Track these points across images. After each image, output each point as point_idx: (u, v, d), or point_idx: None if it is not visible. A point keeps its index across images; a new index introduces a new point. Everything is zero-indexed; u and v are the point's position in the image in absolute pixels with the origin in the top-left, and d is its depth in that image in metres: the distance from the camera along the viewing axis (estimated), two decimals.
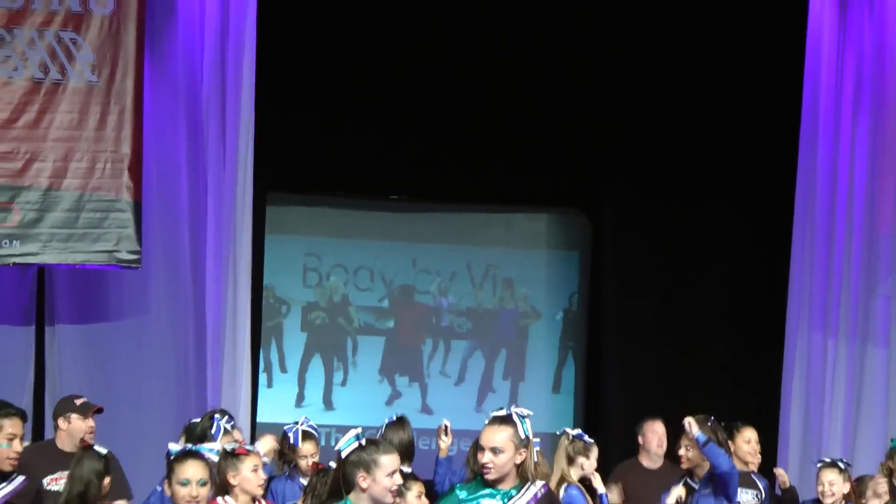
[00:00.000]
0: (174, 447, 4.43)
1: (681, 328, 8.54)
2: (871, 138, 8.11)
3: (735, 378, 8.29)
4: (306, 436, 5.54)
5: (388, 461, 3.51)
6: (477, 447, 3.88)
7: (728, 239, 8.60)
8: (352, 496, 3.52)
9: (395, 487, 3.57)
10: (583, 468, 5.27)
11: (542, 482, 3.89)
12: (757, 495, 6.36)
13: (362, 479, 3.48)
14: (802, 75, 8.09)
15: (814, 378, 8.12)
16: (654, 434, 6.66)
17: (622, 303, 8.82)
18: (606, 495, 5.67)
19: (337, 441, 4.14)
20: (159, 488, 4.86)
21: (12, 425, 4.53)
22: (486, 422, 3.81)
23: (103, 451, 4.73)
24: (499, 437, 3.73)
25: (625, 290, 8.77)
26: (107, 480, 4.74)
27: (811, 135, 8.12)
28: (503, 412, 3.88)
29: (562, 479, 5.25)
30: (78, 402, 5.51)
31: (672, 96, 8.50)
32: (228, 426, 5.41)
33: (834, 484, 5.72)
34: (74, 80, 7.32)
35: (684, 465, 5.98)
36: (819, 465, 5.96)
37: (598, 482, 5.50)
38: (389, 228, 9.26)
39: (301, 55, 8.03)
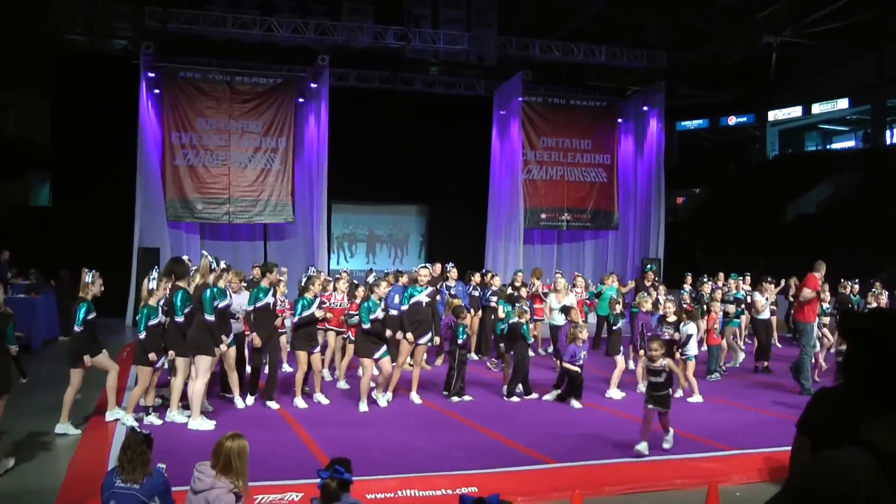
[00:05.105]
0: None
1: (462, 245, 23.33)
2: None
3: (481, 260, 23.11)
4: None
5: (385, 283, 10.63)
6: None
7: (471, 209, 23.77)
8: (373, 297, 10.20)
9: (385, 293, 10.35)
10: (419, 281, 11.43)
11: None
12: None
13: (378, 288, 10.29)
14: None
15: (497, 255, 23.27)
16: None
17: (441, 234, 24.45)
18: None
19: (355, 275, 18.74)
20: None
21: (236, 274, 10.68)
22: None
23: None
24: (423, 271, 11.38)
25: (441, 229, 24.42)
26: None
27: (496, 170, 23.86)
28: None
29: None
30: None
31: (460, 160, 23.63)
32: (315, 271, 15.52)
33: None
34: (275, 167, 21.98)
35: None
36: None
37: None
38: (374, 211, 25.01)
39: (341, 155, 22.13)
